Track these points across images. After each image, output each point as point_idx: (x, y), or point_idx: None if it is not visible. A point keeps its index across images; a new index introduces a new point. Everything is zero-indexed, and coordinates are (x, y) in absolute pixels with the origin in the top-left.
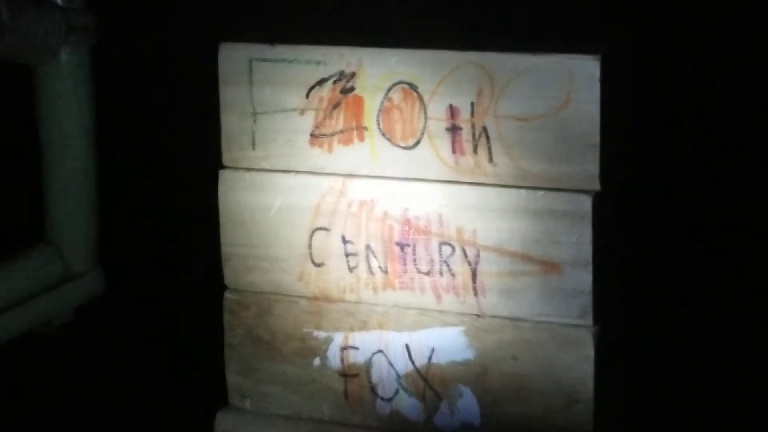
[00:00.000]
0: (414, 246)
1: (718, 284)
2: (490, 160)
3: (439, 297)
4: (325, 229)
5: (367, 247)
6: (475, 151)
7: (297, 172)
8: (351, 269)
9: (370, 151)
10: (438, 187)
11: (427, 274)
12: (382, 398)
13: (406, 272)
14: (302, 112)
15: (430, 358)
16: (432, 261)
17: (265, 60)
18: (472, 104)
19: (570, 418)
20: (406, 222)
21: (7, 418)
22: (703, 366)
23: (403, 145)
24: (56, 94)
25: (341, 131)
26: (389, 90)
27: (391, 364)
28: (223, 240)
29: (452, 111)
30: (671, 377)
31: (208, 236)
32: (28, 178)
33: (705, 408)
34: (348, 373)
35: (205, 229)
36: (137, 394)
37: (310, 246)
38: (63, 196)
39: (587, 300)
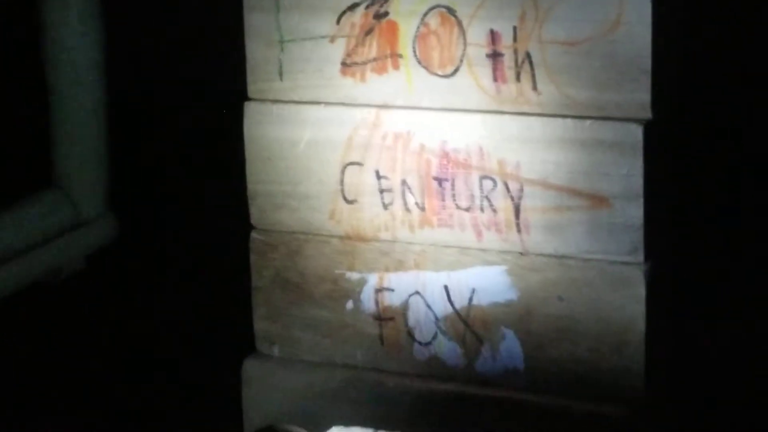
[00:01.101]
0: (453, 180)
1: None
2: (534, 87)
3: (479, 234)
4: (357, 163)
5: (403, 182)
6: (517, 78)
7: (327, 103)
8: (386, 206)
9: (405, 80)
10: (478, 117)
11: (467, 210)
12: (419, 343)
13: (444, 208)
14: (333, 39)
15: (470, 299)
16: (472, 196)
17: None
18: (515, 28)
19: (620, 360)
20: (445, 155)
21: (15, 377)
22: (758, 306)
23: (440, 73)
24: (63, 24)
25: (374, 59)
26: (425, 14)
27: (428, 306)
28: (249, 177)
29: (493, 36)
30: (725, 318)
31: (233, 173)
32: (35, 119)
33: (758, 350)
34: (383, 317)
35: (230, 166)
36: (158, 344)
37: (341, 182)
38: (71, 136)
39: (638, 236)
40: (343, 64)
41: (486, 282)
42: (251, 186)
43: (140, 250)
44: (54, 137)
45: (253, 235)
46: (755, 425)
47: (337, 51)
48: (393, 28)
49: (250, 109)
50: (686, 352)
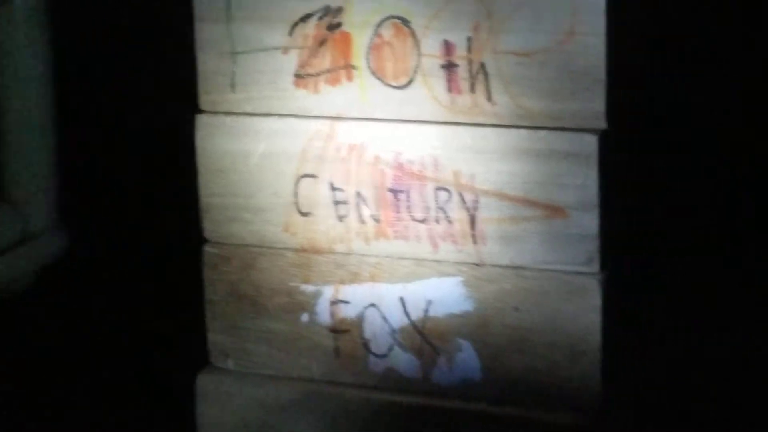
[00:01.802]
0: (408, 192)
1: (734, 224)
2: (489, 98)
3: (435, 246)
4: (312, 176)
5: (358, 194)
6: (472, 89)
7: (281, 115)
8: (340, 218)
9: (359, 92)
10: (433, 128)
11: (423, 221)
12: (375, 355)
13: (399, 220)
14: (286, 50)
15: (426, 310)
16: (427, 208)
17: None
18: (469, 39)
19: (576, 370)
20: (399, 167)
21: None
22: (715, 313)
23: (394, 84)
24: (9, 37)
25: (328, 71)
26: (379, 25)
27: (384, 318)
28: (201, 190)
29: (447, 47)
30: (681, 326)
31: (185, 187)
32: None
33: (714, 357)
34: (339, 329)
35: (183, 179)
36: (111, 358)
37: (296, 194)
38: (20, 150)
39: (594, 246)
40: (297, 75)
41: (442, 293)
42: (204, 199)
43: (91, 263)
44: (2, 151)
45: (206, 248)
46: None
47: (291, 62)
48: (346, 39)
49: (203, 122)
50: (643, 361)
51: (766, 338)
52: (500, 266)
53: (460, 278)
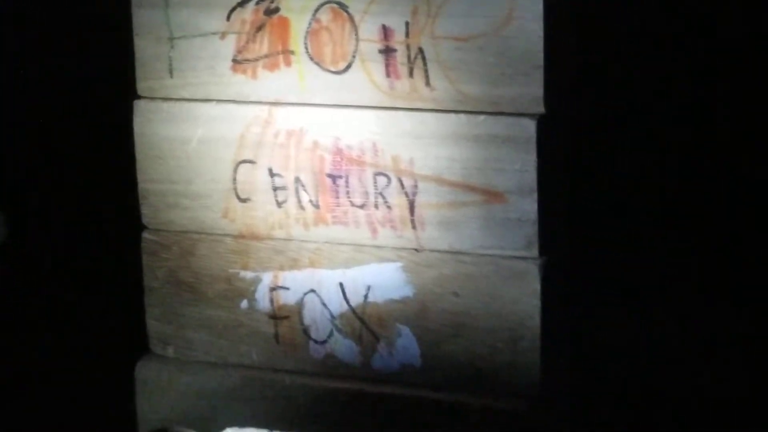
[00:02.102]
0: (347, 177)
1: (674, 208)
2: (427, 83)
3: (374, 231)
4: (250, 161)
5: (297, 179)
6: (410, 74)
7: (219, 101)
8: (279, 204)
9: (297, 77)
10: (371, 113)
11: (362, 207)
12: (315, 341)
13: (338, 206)
14: (223, 36)
15: (366, 296)
16: (366, 193)
17: None
18: (407, 24)
19: (515, 355)
20: (338, 152)
21: None
22: (655, 297)
23: (333, 69)
24: None
25: (266, 56)
26: (317, 10)
27: (324, 304)
28: (139, 176)
29: (385, 31)
30: (620, 311)
31: (123, 173)
32: None
33: (653, 342)
34: (278, 315)
35: (121, 166)
36: (49, 346)
37: (234, 180)
38: None
39: (532, 230)
40: (234, 60)
41: (381, 279)
42: (142, 185)
43: (29, 250)
44: None
45: (145, 235)
46: (652, 416)
47: (228, 48)
48: (284, 24)
49: (140, 107)
50: (582, 346)
51: (707, 320)
52: (439, 251)
53: (399, 264)
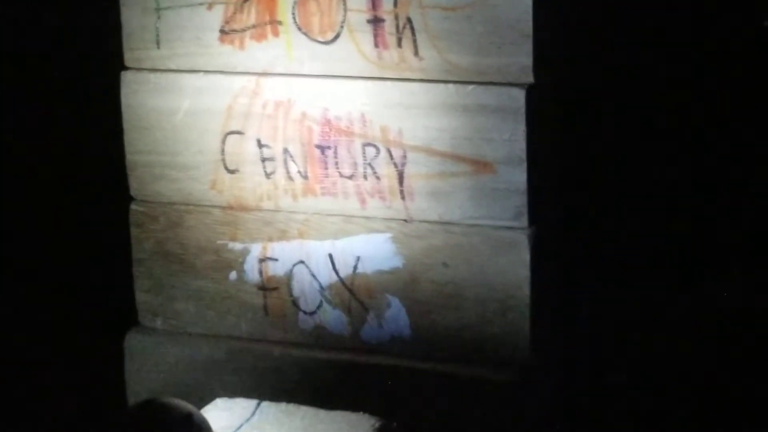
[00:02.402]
0: (335, 148)
1: (663, 179)
2: (416, 53)
3: (363, 202)
4: (238, 132)
5: (285, 150)
6: (399, 44)
7: (206, 71)
8: (268, 175)
9: (285, 47)
10: (360, 84)
11: (351, 178)
12: (304, 312)
13: (327, 177)
14: (210, 6)
15: (355, 267)
16: (355, 164)
17: None
18: None
19: (505, 325)
20: (327, 123)
21: None
22: (644, 267)
23: (321, 39)
24: None
25: (253, 26)
26: None
27: (313, 275)
28: (127, 147)
29: (374, 1)
30: (611, 281)
31: (111, 145)
32: None
33: (643, 313)
34: (267, 287)
35: (108, 137)
36: (37, 321)
37: (222, 152)
38: None
39: (522, 200)
40: (222, 31)
41: (371, 250)
42: (130, 156)
43: (20, 224)
44: None
45: (133, 206)
46: (639, 387)
47: (215, 18)
48: None
49: (127, 78)
50: (572, 316)
51: (697, 290)
52: (429, 222)
53: (388, 234)
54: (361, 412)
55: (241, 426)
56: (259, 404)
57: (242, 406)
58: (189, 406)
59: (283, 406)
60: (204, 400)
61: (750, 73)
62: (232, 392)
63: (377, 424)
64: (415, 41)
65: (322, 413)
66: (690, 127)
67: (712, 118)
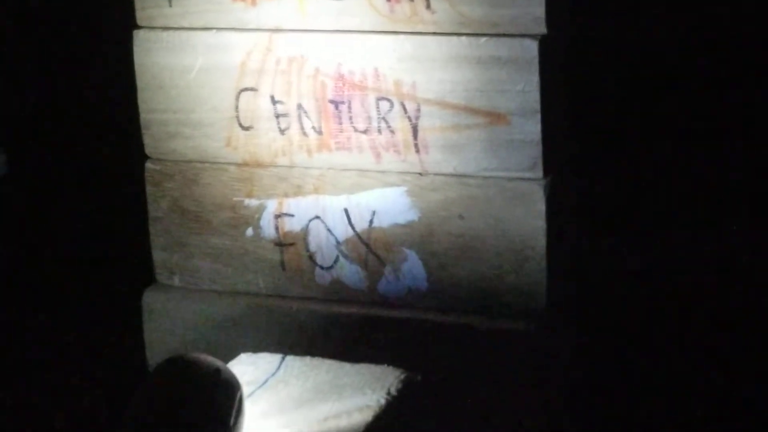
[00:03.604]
0: (349, 103)
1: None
2: (428, 6)
3: (378, 156)
4: (252, 89)
5: (299, 106)
6: None
7: (218, 29)
8: (282, 131)
9: (297, 3)
10: (372, 38)
11: (365, 132)
12: (321, 267)
13: (341, 131)
14: None
15: (371, 221)
16: (369, 118)
17: None
18: None
19: (522, 276)
20: (340, 77)
21: None
22: (658, 219)
23: None
24: None
25: None
26: None
27: (329, 230)
28: (141, 106)
29: None
30: (625, 233)
31: (125, 103)
32: None
33: (657, 263)
34: (284, 242)
35: (122, 96)
36: (56, 279)
37: (236, 108)
38: None
39: (536, 151)
40: None
41: (386, 204)
42: (144, 115)
43: (33, 184)
44: None
45: (148, 164)
46: (654, 336)
47: None
48: None
49: (140, 37)
50: (587, 267)
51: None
52: (444, 175)
53: (404, 188)
54: (386, 365)
55: (266, 380)
56: (283, 359)
57: (267, 360)
58: (216, 361)
59: (307, 360)
60: (223, 357)
61: None
62: (251, 348)
63: (402, 376)
64: None
65: (347, 366)
66: (704, 76)
67: (729, 65)
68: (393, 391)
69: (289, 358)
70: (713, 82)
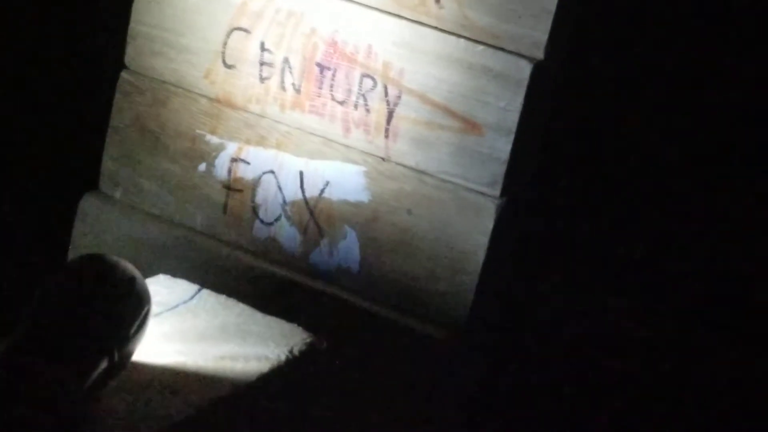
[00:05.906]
0: (335, 71)
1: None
2: (437, 0)
3: (347, 130)
4: (245, 30)
5: (285, 60)
6: None
7: None
8: (262, 79)
9: None
10: (375, 15)
11: (342, 103)
12: (261, 221)
13: (319, 96)
14: None
15: (322, 191)
16: (350, 91)
17: None
18: None
19: (452, 285)
20: (333, 44)
21: None
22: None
23: None
24: None
25: None
26: None
27: (279, 187)
28: (133, 15)
29: None
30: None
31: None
32: None
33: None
34: (232, 187)
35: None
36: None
37: (224, 45)
38: None
39: (500, 169)
40: None
41: (342, 178)
42: (133, 25)
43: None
44: None
45: (123, 74)
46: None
47: None
48: None
49: None
50: (516, 296)
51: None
52: (405, 166)
53: (363, 168)
54: (296, 324)
55: (177, 306)
56: (199, 290)
57: (183, 288)
58: (135, 271)
59: (222, 298)
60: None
61: None
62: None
63: (308, 340)
64: None
65: (258, 315)
66: (686, 100)
67: (708, 82)
68: (295, 351)
69: (205, 292)
70: (699, 123)
